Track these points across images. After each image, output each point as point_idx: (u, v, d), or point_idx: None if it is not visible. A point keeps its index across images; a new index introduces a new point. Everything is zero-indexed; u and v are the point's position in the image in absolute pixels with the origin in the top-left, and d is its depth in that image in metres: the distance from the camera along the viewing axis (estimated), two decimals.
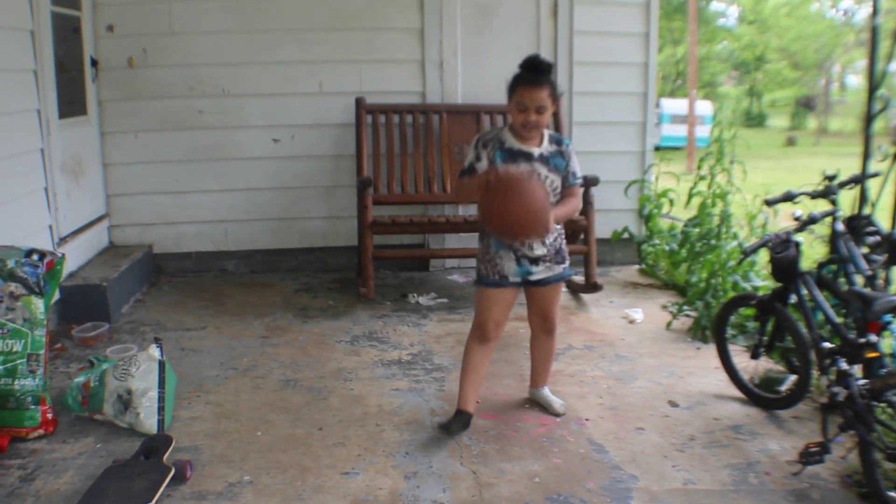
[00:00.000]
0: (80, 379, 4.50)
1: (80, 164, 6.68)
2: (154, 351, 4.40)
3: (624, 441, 4.32)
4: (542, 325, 4.56)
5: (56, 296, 4.72)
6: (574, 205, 4.33)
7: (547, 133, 4.28)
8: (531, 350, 4.72)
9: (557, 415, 4.57)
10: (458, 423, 4.31)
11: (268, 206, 7.56)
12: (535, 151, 4.20)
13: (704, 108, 25.76)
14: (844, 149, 22.16)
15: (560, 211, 4.21)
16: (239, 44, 7.26)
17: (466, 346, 4.43)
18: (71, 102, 6.56)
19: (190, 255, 7.54)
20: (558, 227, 4.34)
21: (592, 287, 6.76)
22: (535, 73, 4.09)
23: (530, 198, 3.91)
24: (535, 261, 4.25)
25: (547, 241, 4.24)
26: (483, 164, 4.16)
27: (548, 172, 4.19)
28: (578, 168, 4.33)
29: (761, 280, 6.35)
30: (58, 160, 6.16)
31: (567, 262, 4.41)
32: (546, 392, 4.73)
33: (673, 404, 4.81)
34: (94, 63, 7.00)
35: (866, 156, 5.31)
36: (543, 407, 4.68)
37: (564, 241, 4.42)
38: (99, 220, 7.05)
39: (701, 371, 5.33)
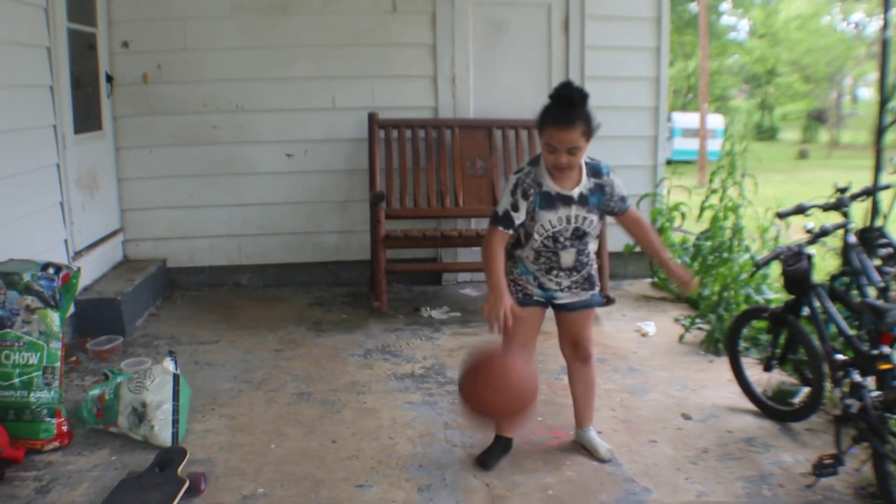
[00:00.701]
0: (95, 392, 4.53)
1: (95, 179, 6.74)
2: (168, 364, 4.42)
3: (637, 454, 4.32)
4: (575, 353, 4.26)
5: (71, 309, 4.75)
6: (647, 226, 4.17)
7: (584, 165, 3.93)
8: (570, 385, 4.38)
9: (603, 461, 4.22)
10: (496, 451, 4.21)
11: (281, 220, 7.60)
12: (575, 193, 3.86)
13: (716, 121, 25.78)
14: (856, 161, 22.10)
15: (657, 245, 4.12)
16: (252, 60, 7.31)
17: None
18: (86, 118, 6.63)
19: (204, 269, 7.58)
20: (591, 254, 4.11)
21: (605, 300, 6.76)
22: (566, 107, 3.69)
23: (507, 383, 3.63)
24: (561, 287, 4.08)
25: (574, 276, 4.05)
26: (521, 216, 3.85)
27: (587, 214, 3.89)
28: (624, 190, 4.03)
29: (774, 293, 6.34)
30: (73, 175, 6.22)
31: (597, 289, 4.17)
32: (592, 434, 4.36)
33: (686, 417, 4.81)
34: (110, 79, 7.07)
35: (878, 168, 5.33)
36: (588, 451, 4.32)
37: (595, 268, 4.18)
38: (113, 234, 7.10)
39: (714, 384, 5.33)
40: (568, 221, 3.87)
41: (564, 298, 4.10)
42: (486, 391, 3.63)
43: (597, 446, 4.28)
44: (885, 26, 5.41)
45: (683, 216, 7.90)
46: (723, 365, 5.34)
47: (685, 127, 27.95)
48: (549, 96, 3.76)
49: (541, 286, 4.06)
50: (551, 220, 3.85)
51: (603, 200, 3.94)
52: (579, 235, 3.93)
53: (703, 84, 24.78)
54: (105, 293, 6.19)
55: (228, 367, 5.54)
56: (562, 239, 3.90)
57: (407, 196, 7.17)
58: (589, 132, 3.73)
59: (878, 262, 4.95)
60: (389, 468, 4.11)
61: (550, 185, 3.83)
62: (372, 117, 7.22)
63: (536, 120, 3.77)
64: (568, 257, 3.97)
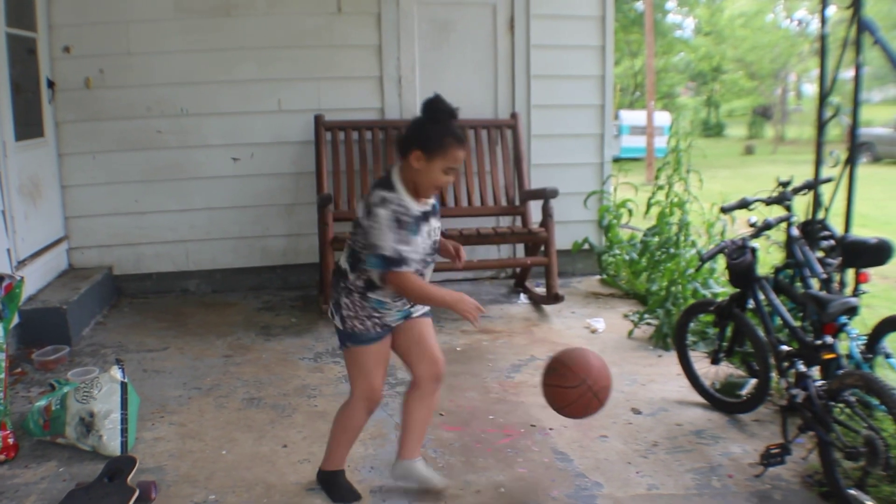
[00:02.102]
0: (41, 403, 4.46)
1: (38, 187, 6.63)
2: (116, 372, 4.37)
3: (588, 449, 4.35)
4: (433, 369, 3.81)
5: (15, 320, 4.68)
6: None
7: None
8: (409, 410, 3.87)
9: (440, 490, 3.89)
10: (345, 487, 3.88)
11: (228, 225, 7.54)
12: (429, 205, 3.58)
13: (663, 119, 25.97)
14: (801, 156, 22.44)
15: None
16: (197, 63, 7.25)
17: (349, 413, 3.77)
18: (27, 124, 6.52)
19: (150, 275, 7.50)
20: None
21: (554, 298, 6.80)
22: (455, 123, 3.48)
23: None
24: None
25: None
26: (412, 251, 3.43)
27: (437, 222, 3.66)
28: None
29: (720, 287, 6.42)
30: (15, 183, 6.11)
31: None
32: (421, 465, 3.92)
33: (636, 411, 4.86)
34: (51, 84, 6.97)
35: (819, 162, 5.42)
36: (420, 487, 3.89)
37: None
38: (57, 242, 6.99)
39: (663, 378, 5.39)
40: (430, 236, 3.58)
41: (420, 308, 3.78)
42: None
43: (431, 477, 3.90)
44: (823, 23, 5.51)
45: (630, 213, 7.98)
46: (671, 359, 5.41)
47: (633, 124, 28.15)
48: (434, 114, 3.45)
49: (401, 307, 3.66)
50: (422, 243, 3.52)
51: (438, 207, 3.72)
52: (436, 248, 3.68)
53: (650, 82, 24.93)
54: (50, 302, 6.10)
55: (177, 374, 5.48)
56: (428, 258, 3.59)
57: (355, 198, 7.15)
58: None
59: (820, 254, 5.03)
60: None
61: (414, 207, 3.46)
62: (318, 119, 7.20)
63: (420, 142, 3.41)
64: (430, 272, 3.68)
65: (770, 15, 37.85)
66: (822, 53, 5.46)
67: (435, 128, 3.43)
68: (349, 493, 3.84)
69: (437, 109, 3.45)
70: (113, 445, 4.21)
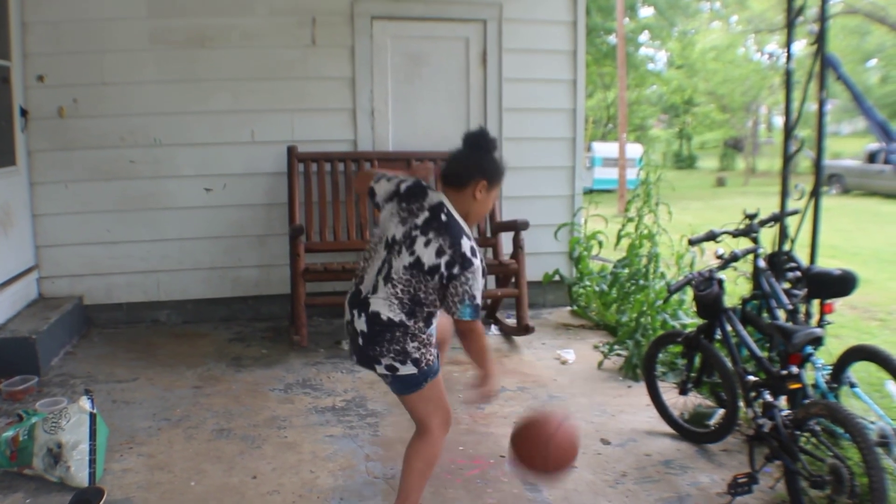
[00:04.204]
0: (9, 433, 4.42)
1: (9, 215, 6.61)
2: (85, 403, 4.35)
3: (557, 480, 4.36)
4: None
5: None
6: None
7: None
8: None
9: None
10: None
11: (200, 255, 7.53)
12: None
13: (636, 151, 26.20)
14: (772, 188, 22.58)
15: None
16: (171, 94, 7.26)
17: (433, 450, 3.65)
18: None
19: (121, 305, 7.46)
20: None
21: (524, 329, 6.83)
22: None
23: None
24: None
25: None
26: None
27: None
28: None
29: (690, 318, 6.48)
30: None
31: None
32: None
33: (605, 442, 4.88)
34: (24, 113, 6.95)
35: (784, 194, 5.49)
36: None
37: None
38: (28, 271, 6.95)
39: (632, 409, 5.42)
40: None
41: None
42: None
43: None
44: (789, 58, 5.59)
45: (601, 244, 8.03)
46: (641, 390, 5.44)
47: (605, 156, 28.44)
48: (489, 145, 3.53)
49: None
50: None
51: None
52: None
53: (622, 114, 25.17)
54: (19, 332, 6.06)
55: (147, 405, 5.45)
56: None
57: (326, 229, 7.18)
58: None
59: (787, 285, 5.09)
60: (311, 502, 4.09)
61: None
62: (291, 151, 7.23)
63: (484, 172, 3.46)
64: None
65: (741, 48, 38.36)
66: (788, 88, 5.55)
67: (494, 158, 3.50)
68: None
69: (489, 140, 3.52)
70: (81, 477, 4.17)
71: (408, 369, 3.44)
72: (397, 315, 3.39)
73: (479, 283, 3.38)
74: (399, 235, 3.44)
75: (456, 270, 3.34)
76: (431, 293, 3.38)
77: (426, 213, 3.45)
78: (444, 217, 3.43)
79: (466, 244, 3.37)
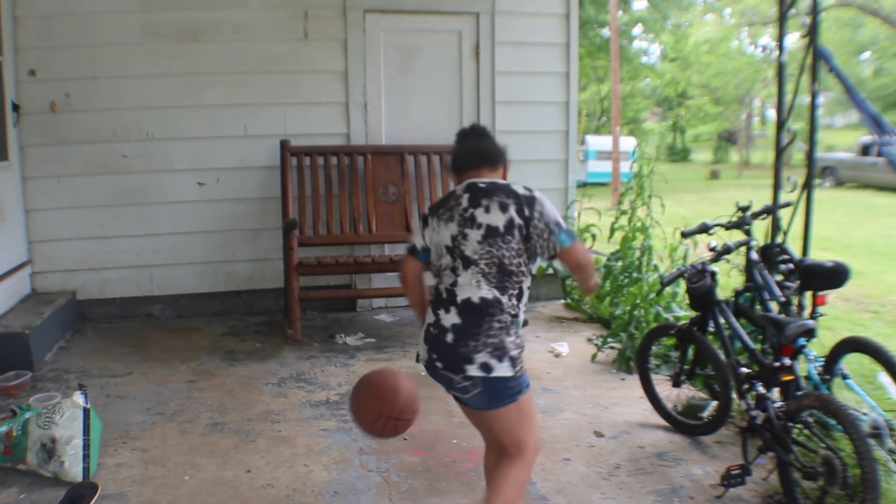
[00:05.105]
0: (2, 428, 4.42)
1: (2, 211, 6.59)
2: (78, 398, 4.35)
3: (550, 472, 4.37)
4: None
5: None
6: None
7: None
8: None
9: None
10: None
11: (193, 249, 7.52)
12: None
13: (629, 144, 26.19)
14: (766, 181, 22.53)
15: None
16: (163, 88, 7.25)
17: (527, 471, 3.39)
18: None
19: (115, 300, 7.45)
20: None
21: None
22: None
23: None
24: None
25: None
26: None
27: None
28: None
29: (683, 310, 6.48)
30: None
31: None
32: None
33: (598, 434, 4.89)
34: (16, 108, 6.93)
35: (777, 186, 5.50)
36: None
37: None
38: (21, 266, 6.94)
39: (625, 401, 5.43)
40: None
41: None
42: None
43: None
44: (781, 51, 5.59)
45: (594, 237, 8.03)
46: (634, 382, 5.45)
47: (599, 149, 28.41)
48: (487, 134, 3.68)
49: None
50: None
51: None
52: None
53: (616, 107, 25.15)
54: (12, 327, 6.06)
55: (140, 399, 5.45)
56: None
57: (320, 223, 7.17)
58: None
59: (779, 277, 5.10)
60: (305, 496, 4.09)
61: None
62: (284, 144, 7.22)
63: (505, 156, 3.57)
64: None
65: (735, 41, 38.30)
66: (780, 81, 5.55)
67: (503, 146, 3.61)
68: None
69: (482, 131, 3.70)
70: (75, 471, 4.18)
71: (504, 370, 3.20)
72: (489, 292, 3.22)
73: (553, 209, 3.34)
74: (455, 229, 3.32)
75: (527, 212, 3.27)
76: (515, 256, 3.25)
77: (466, 195, 3.38)
78: (482, 185, 3.37)
79: (518, 186, 3.35)
